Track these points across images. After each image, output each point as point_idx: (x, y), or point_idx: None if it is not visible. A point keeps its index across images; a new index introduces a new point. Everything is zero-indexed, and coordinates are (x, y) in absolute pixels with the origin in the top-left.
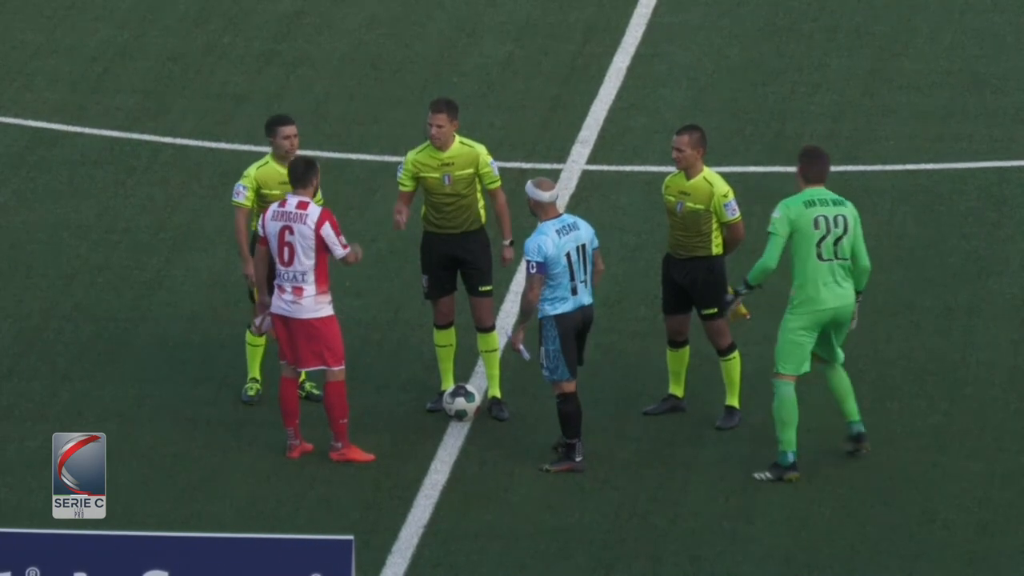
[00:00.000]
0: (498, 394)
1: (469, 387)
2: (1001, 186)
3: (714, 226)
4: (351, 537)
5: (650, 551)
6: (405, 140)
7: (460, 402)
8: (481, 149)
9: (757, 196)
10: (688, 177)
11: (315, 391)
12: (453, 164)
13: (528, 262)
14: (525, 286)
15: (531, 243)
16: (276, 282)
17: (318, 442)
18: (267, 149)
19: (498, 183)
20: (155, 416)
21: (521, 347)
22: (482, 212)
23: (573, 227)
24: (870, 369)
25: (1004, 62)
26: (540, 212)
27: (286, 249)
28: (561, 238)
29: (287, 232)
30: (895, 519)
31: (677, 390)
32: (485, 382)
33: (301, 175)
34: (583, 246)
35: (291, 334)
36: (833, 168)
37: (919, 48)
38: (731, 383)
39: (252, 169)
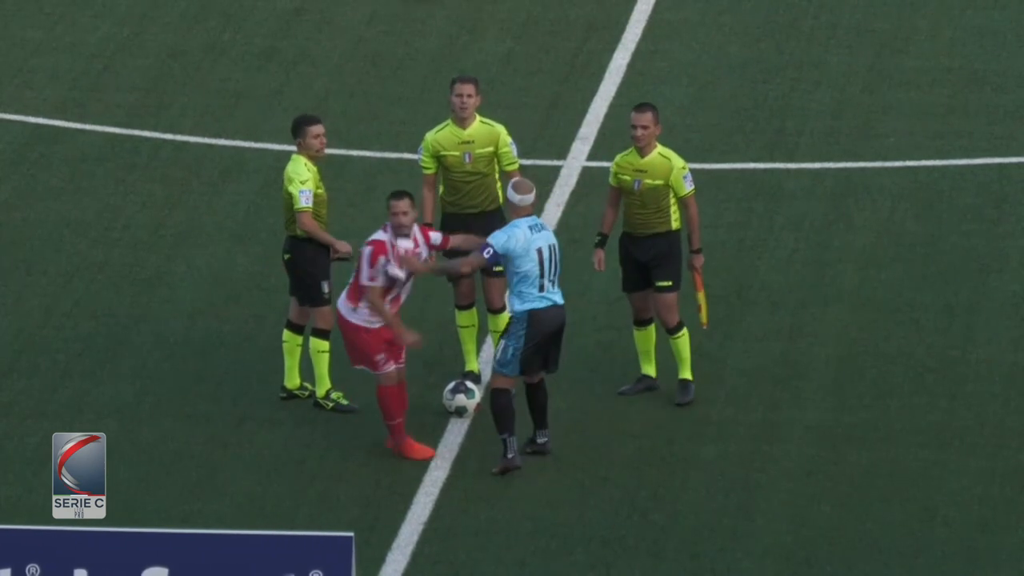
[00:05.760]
0: None
1: (469, 383)
2: (1001, 183)
3: (672, 200)
4: (351, 534)
5: (650, 548)
6: (405, 137)
7: (460, 399)
8: (501, 128)
9: (757, 193)
10: (643, 155)
11: (311, 387)
12: (473, 142)
13: (487, 246)
14: (470, 257)
15: (500, 233)
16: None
17: (320, 442)
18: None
19: (516, 164)
20: (155, 413)
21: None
22: (500, 193)
23: (543, 227)
24: (870, 366)
25: (1004, 59)
26: (512, 213)
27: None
28: (533, 234)
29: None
30: (895, 516)
31: (650, 369)
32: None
33: None
34: (553, 246)
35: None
36: (833, 165)
37: (919, 45)
38: (682, 359)
39: (308, 174)
